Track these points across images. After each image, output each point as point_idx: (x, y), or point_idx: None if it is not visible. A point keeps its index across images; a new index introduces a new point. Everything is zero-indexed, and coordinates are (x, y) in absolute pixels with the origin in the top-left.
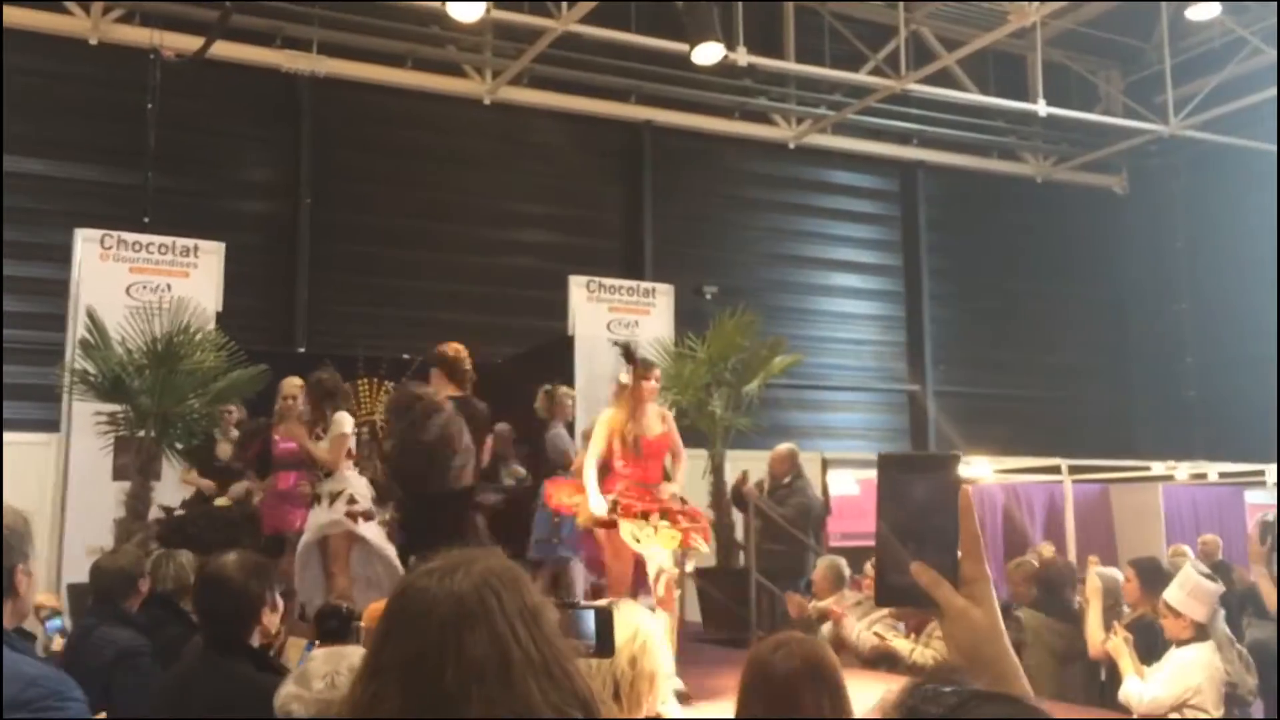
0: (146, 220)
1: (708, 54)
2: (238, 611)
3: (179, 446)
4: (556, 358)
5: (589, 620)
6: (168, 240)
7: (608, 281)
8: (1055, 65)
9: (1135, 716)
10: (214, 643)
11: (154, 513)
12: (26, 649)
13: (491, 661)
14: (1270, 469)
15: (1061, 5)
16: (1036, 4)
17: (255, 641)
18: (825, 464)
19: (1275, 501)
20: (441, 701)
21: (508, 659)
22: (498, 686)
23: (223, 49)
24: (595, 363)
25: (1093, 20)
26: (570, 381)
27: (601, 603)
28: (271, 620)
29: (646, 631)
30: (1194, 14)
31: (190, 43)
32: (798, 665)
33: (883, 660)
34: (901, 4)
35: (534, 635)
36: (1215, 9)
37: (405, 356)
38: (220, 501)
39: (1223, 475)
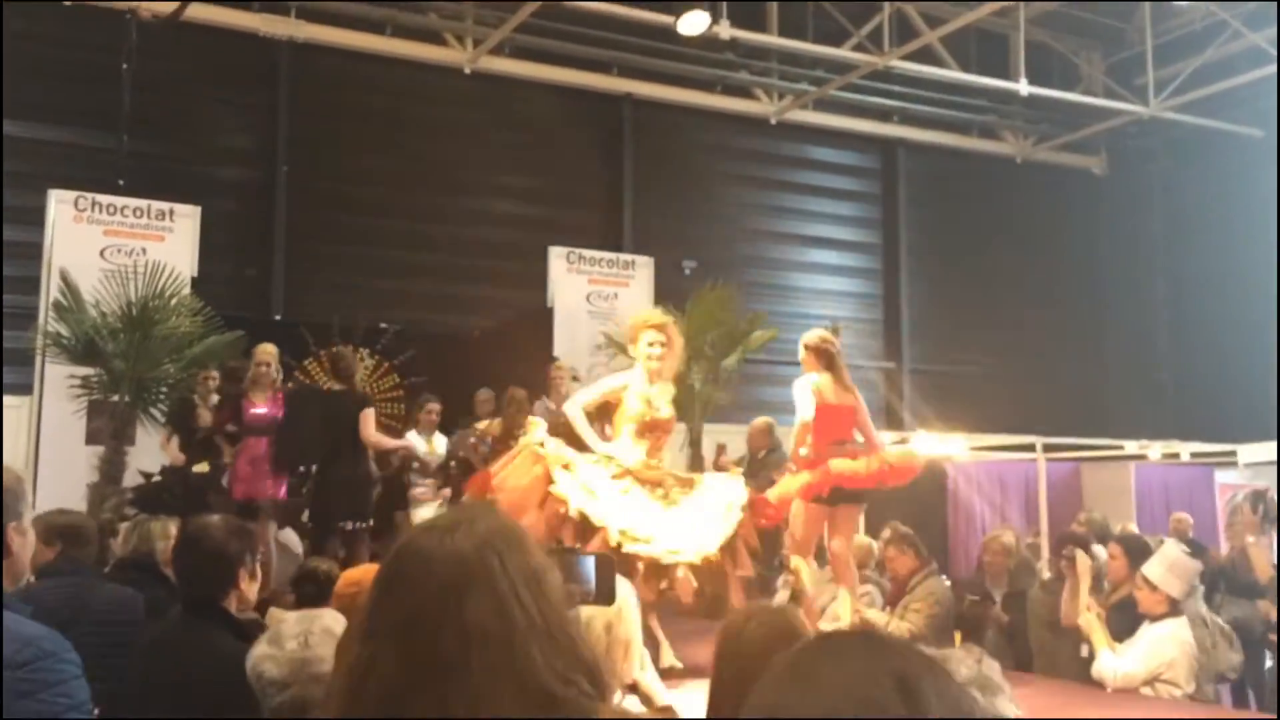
0: (121, 183)
1: (693, 23)
2: (215, 573)
3: (154, 413)
4: (535, 329)
5: (589, 566)
6: (143, 203)
7: (587, 253)
8: (1037, 44)
9: (1109, 691)
10: (191, 606)
11: (131, 477)
12: (21, 609)
13: (493, 624)
14: (1241, 449)
15: None
16: None
17: (233, 608)
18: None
19: (1244, 481)
20: (440, 666)
21: (510, 622)
22: (499, 652)
23: (199, 11)
24: (574, 334)
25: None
26: (548, 354)
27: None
28: (250, 588)
29: (621, 598)
30: None
31: (166, 4)
32: (771, 634)
33: None
34: None
35: (537, 598)
36: None
37: (383, 325)
38: (198, 468)
39: (1195, 455)
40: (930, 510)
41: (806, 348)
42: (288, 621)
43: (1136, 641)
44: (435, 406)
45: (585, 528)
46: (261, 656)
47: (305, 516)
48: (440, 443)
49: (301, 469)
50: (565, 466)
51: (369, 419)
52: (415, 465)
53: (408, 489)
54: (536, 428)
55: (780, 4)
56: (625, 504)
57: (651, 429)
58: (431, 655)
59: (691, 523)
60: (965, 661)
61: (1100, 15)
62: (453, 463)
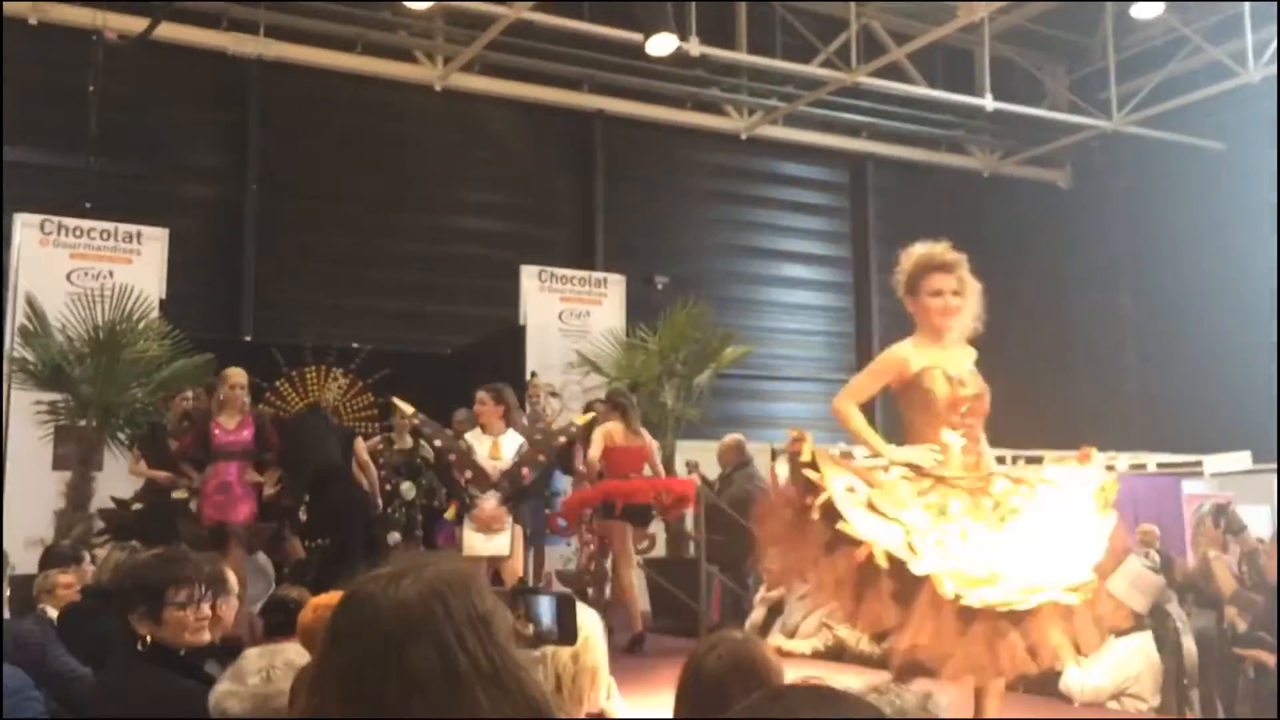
0: (88, 205)
1: (661, 45)
2: (113, 619)
3: (122, 437)
4: (507, 348)
5: (550, 607)
6: (110, 226)
7: (559, 271)
8: (1002, 60)
9: (1076, 705)
10: (128, 645)
11: (100, 503)
12: None
13: (436, 672)
14: (1207, 459)
15: (1009, 2)
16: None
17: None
18: (775, 454)
19: (1211, 491)
20: (384, 715)
21: (454, 669)
22: (442, 698)
23: (167, 31)
24: (547, 353)
25: (1039, 16)
26: (521, 372)
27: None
28: (153, 630)
29: (588, 627)
30: (1138, 12)
31: (134, 24)
32: (726, 666)
33: (830, 652)
34: None
35: (483, 643)
36: (1159, 8)
37: (355, 345)
38: (177, 494)
39: (1161, 466)
40: None
41: (604, 400)
42: (249, 657)
43: (1102, 655)
44: (484, 395)
45: (903, 579)
46: (225, 693)
47: (315, 537)
48: (510, 445)
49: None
50: (851, 490)
51: (361, 445)
52: (469, 475)
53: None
54: (808, 445)
55: (749, 21)
56: (949, 533)
57: (963, 410)
58: (376, 704)
59: (1046, 540)
60: (902, 695)
61: (1064, 31)
62: (525, 470)
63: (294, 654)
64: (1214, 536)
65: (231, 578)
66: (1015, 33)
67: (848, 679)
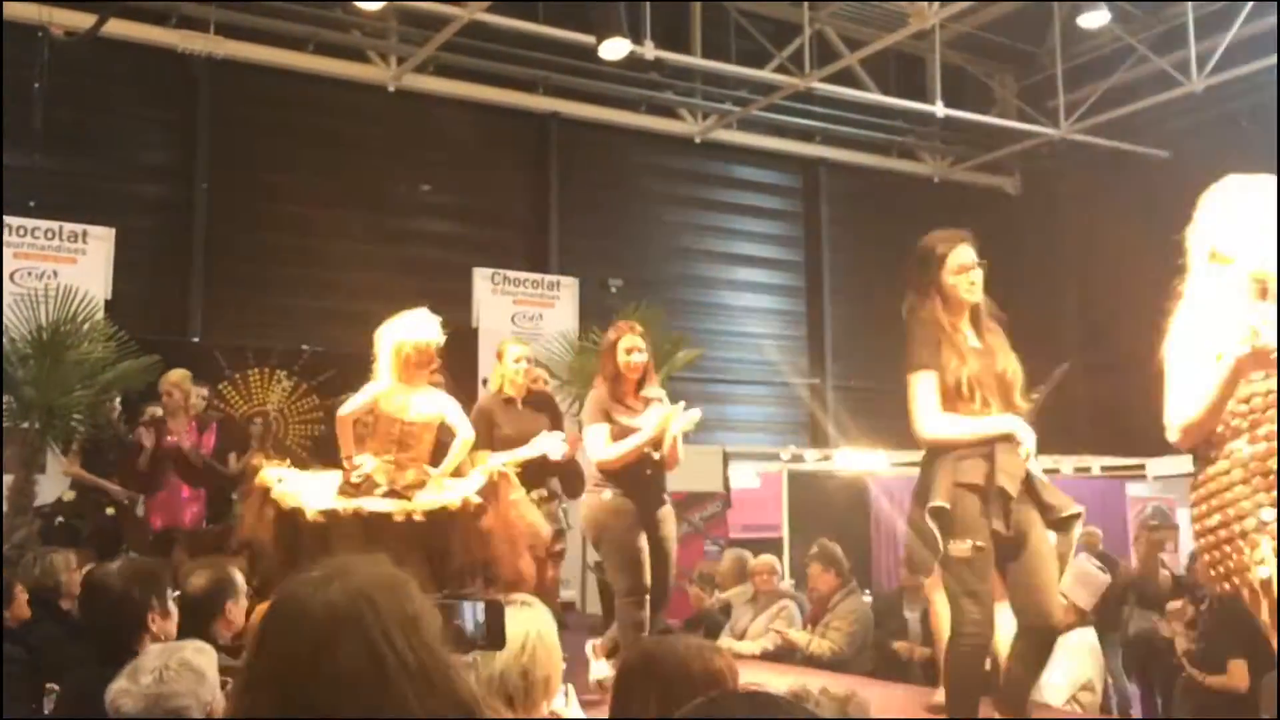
0: (32, 204)
1: (614, 49)
2: (120, 622)
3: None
4: (460, 350)
5: (478, 613)
6: (54, 225)
7: (512, 274)
8: (953, 67)
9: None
10: (102, 656)
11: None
12: None
13: (365, 670)
14: (1150, 463)
15: (960, 8)
16: (936, 5)
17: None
18: (726, 457)
19: (1154, 494)
20: (313, 712)
21: (382, 667)
22: (371, 695)
23: (115, 27)
24: None
25: (989, 24)
26: (473, 375)
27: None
28: (164, 628)
29: (535, 637)
30: (1085, 21)
31: (81, 20)
32: (633, 664)
33: (780, 653)
34: (806, 3)
35: (412, 642)
36: (1105, 17)
37: (304, 347)
38: (111, 511)
39: (1105, 469)
40: (852, 526)
41: None
42: (149, 654)
43: (1055, 655)
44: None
45: None
46: (119, 691)
47: None
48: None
49: None
50: None
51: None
52: None
53: None
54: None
55: (703, 25)
56: None
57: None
58: (306, 703)
59: None
60: (819, 700)
61: (1013, 39)
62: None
63: (191, 653)
64: (1153, 539)
65: (240, 579)
66: (966, 40)
67: (789, 681)
